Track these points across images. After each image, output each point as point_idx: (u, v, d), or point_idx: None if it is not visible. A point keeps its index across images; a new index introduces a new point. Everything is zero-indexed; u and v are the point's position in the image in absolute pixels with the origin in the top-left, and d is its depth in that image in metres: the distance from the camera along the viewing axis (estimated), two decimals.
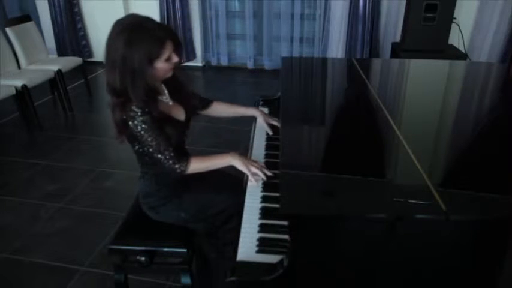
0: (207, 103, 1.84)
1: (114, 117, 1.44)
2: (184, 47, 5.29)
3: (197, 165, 1.52)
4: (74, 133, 3.75)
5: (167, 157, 1.46)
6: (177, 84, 1.63)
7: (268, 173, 1.50)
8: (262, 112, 1.92)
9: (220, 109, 1.88)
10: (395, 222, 1.07)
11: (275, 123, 1.88)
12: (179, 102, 1.62)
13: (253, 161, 1.57)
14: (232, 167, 1.54)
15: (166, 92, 1.58)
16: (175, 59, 1.45)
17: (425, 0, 3.76)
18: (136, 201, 1.72)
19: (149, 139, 1.42)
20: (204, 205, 1.60)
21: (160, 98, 1.54)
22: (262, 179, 1.49)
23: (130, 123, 1.40)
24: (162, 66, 1.42)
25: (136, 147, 1.52)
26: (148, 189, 1.61)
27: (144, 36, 1.35)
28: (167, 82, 1.58)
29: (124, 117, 1.40)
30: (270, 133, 1.84)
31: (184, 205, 1.59)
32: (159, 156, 1.46)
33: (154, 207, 1.60)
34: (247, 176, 1.54)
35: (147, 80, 1.40)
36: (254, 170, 1.50)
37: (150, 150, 1.45)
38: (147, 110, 1.40)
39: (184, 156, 1.51)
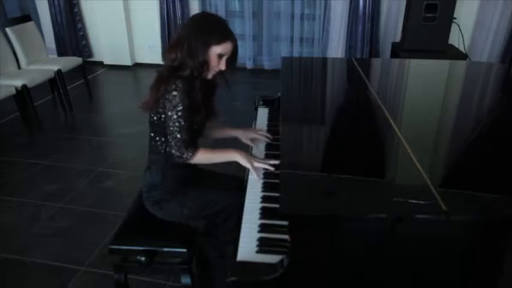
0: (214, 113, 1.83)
1: (154, 86, 1.52)
2: None
3: (203, 156, 1.56)
4: (74, 133, 3.75)
5: (180, 139, 1.50)
6: (211, 92, 1.69)
7: (275, 162, 1.53)
8: (243, 131, 1.87)
9: (211, 131, 1.87)
10: (395, 222, 1.07)
11: (256, 135, 1.84)
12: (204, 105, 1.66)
13: (257, 157, 1.60)
14: (235, 166, 1.55)
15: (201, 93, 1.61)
16: (223, 64, 1.54)
17: (425, 0, 3.76)
18: (137, 201, 1.72)
19: (178, 114, 1.47)
20: (206, 202, 1.61)
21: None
22: (267, 171, 1.53)
23: (168, 94, 1.47)
24: (213, 57, 1.51)
25: (156, 116, 1.55)
26: (154, 181, 1.62)
27: (214, 22, 1.53)
28: (203, 85, 1.61)
29: (165, 87, 1.47)
30: (252, 146, 1.82)
31: (187, 202, 1.60)
32: (173, 135, 1.49)
33: (159, 201, 1.61)
34: (247, 174, 1.55)
35: (204, 58, 1.49)
36: (257, 164, 1.54)
37: (171, 124, 1.49)
38: (187, 90, 1.48)
39: (193, 145, 1.56)
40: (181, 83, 1.47)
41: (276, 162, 1.53)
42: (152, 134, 1.61)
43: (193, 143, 1.58)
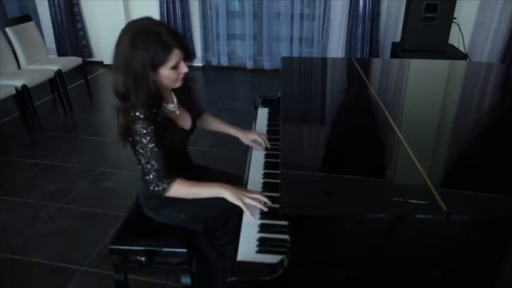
0: (199, 113, 1.79)
1: (118, 121, 1.42)
2: None
3: (181, 189, 1.44)
4: (74, 133, 3.75)
5: (152, 172, 1.39)
6: (187, 91, 1.59)
7: (268, 202, 1.38)
8: (243, 133, 1.83)
9: (210, 122, 1.84)
10: (395, 222, 1.07)
11: (256, 136, 1.81)
12: (187, 110, 1.61)
13: (248, 191, 1.45)
14: (235, 165, 1.53)
15: (175, 100, 1.56)
16: (184, 69, 1.41)
17: (425, 0, 3.76)
18: (137, 201, 1.72)
19: (143, 147, 1.37)
20: (204, 206, 1.59)
21: (166, 106, 1.51)
22: (261, 208, 1.37)
23: (132, 128, 1.38)
24: (167, 74, 1.38)
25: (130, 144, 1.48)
26: (148, 191, 1.60)
27: (149, 40, 1.31)
28: (177, 90, 1.55)
29: (125, 122, 1.38)
30: (258, 148, 1.79)
31: (184, 206, 1.58)
32: (145, 167, 1.40)
33: (155, 208, 1.60)
34: (247, 173, 1.54)
35: (150, 85, 1.35)
36: (248, 201, 1.37)
37: (139, 157, 1.40)
38: (150, 116, 1.36)
39: (169, 175, 1.42)
40: (140, 113, 1.35)
41: (268, 202, 1.37)
42: (136, 159, 1.51)
43: (170, 172, 1.42)
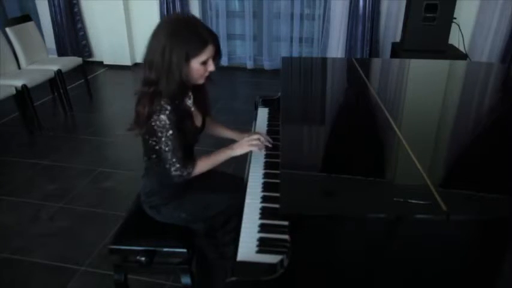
0: (208, 113, 1.81)
1: (138, 108, 1.44)
2: None
3: (203, 165, 1.55)
4: (74, 133, 3.75)
5: (176, 160, 1.46)
6: (203, 90, 1.64)
7: (270, 140, 1.66)
8: (243, 135, 1.80)
9: (211, 126, 1.84)
10: (395, 222, 1.07)
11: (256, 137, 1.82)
12: (198, 110, 1.64)
13: (250, 135, 1.65)
14: (235, 166, 1.55)
15: (192, 97, 1.59)
16: (211, 67, 1.47)
17: (425, 0, 3.76)
18: (137, 201, 1.72)
19: (169, 136, 1.43)
20: (204, 206, 1.60)
21: (186, 101, 1.56)
22: (267, 146, 1.63)
23: (155, 116, 1.41)
24: (197, 67, 1.43)
25: (150, 141, 1.51)
26: (150, 188, 1.61)
27: (188, 32, 1.38)
28: (194, 89, 1.58)
29: (150, 110, 1.40)
30: (258, 151, 1.79)
31: (185, 205, 1.59)
32: (168, 157, 1.46)
33: (156, 206, 1.60)
34: (247, 174, 1.55)
35: (183, 75, 1.41)
36: (254, 143, 1.60)
37: (164, 147, 1.45)
38: (174, 107, 1.42)
39: (190, 160, 1.53)
40: (166, 103, 1.40)
41: (270, 140, 1.66)
42: (147, 145, 1.55)
43: (189, 157, 1.54)
